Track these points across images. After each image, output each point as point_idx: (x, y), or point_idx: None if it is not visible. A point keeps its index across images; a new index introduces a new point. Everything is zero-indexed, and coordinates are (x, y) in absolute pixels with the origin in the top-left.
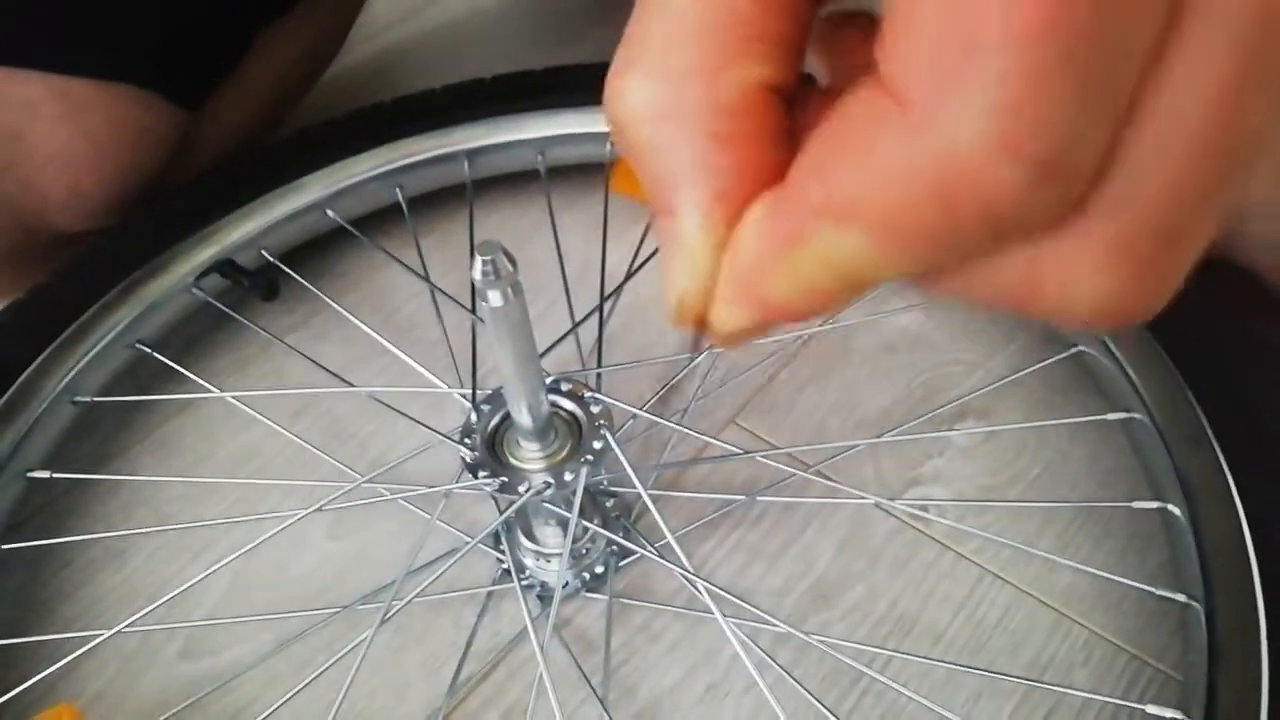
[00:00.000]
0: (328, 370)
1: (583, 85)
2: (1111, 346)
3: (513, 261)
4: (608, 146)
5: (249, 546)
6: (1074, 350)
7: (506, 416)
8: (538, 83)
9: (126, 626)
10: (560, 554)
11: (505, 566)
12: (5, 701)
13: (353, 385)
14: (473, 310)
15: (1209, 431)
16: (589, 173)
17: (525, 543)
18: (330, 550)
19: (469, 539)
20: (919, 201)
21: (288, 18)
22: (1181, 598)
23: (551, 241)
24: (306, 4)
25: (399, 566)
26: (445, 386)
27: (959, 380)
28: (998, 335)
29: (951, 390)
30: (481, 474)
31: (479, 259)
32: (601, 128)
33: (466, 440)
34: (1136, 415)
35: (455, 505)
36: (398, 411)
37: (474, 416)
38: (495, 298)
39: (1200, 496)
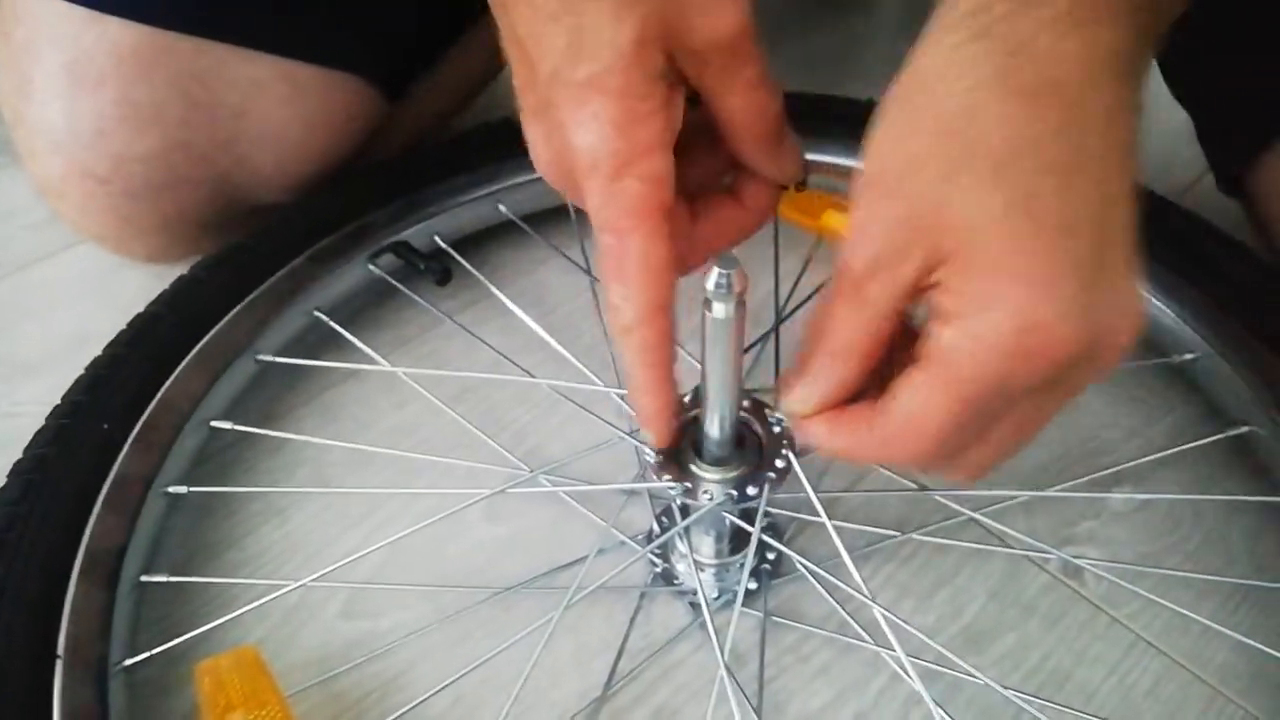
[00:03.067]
0: (505, 357)
1: None
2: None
3: (744, 276)
4: None
5: (426, 522)
6: (1243, 430)
7: (688, 426)
8: None
9: (311, 581)
10: (714, 564)
11: (659, 570)
12: (179, 642)
13: (529, 374)
14: None
15: None
16: None
17: (680, 549)
18: (487, 533)
19: (623, 537)
20: None
21: (482, 21)
22: None
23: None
24: None
25: (552, 557)
26: (620, 390)
27: (1117, 446)
28: (1156, 406)
29: (1109, 455)
30: (665, 477)
31: (716, 270)
32: None
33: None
34: None
35: (607, 503)
36: (581, 407)
37: None
38: (721, 310)
39: None
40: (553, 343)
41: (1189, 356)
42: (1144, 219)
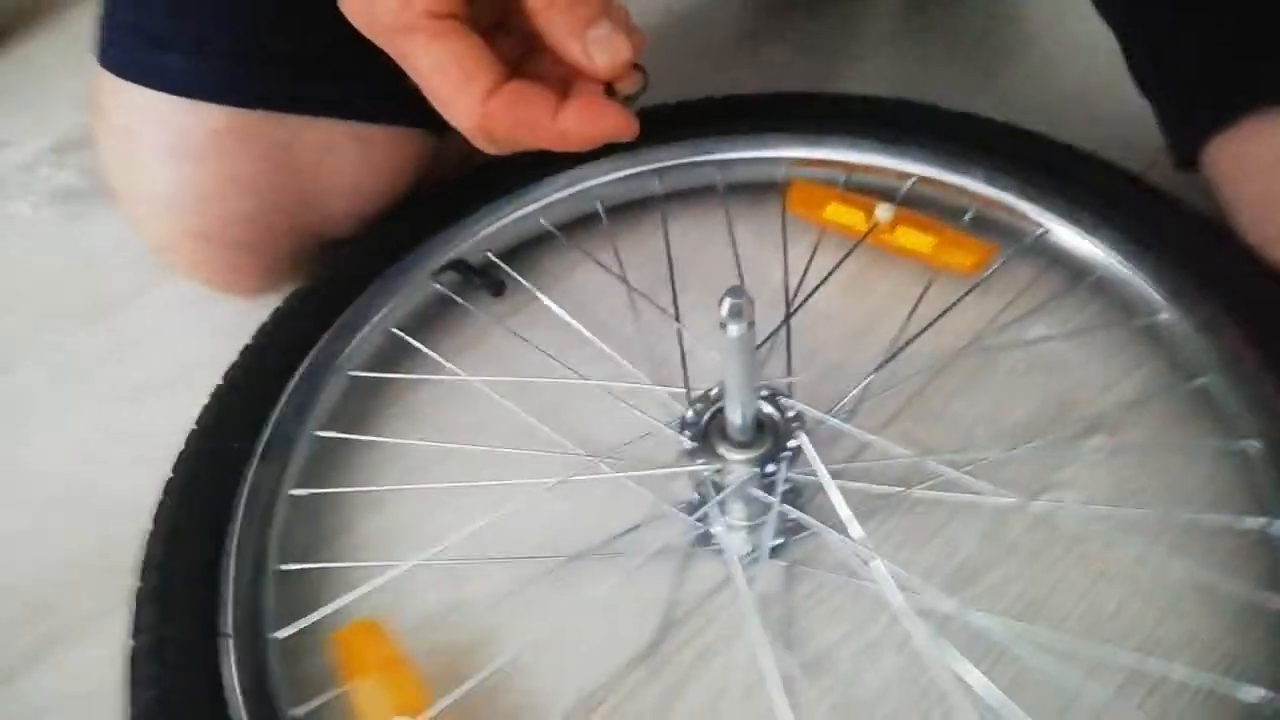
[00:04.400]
0: (560, 362)
1: (759, 113)
2: (1231, 381)
3: (751, 303)
4: (782, 170)
5: (501, 506)
6: (1194, 383)
7: (715, 414)
8: (719, 109)
9: (413, 564)
10: (747, 525)
11: (701, 531)
12: (315, 618)
13: (580, 376)
14: (676, 318)
15: None
16: (763, 191)
17: (716, 516)
18: (554, 511)
19: (669, 508)
20: None
21: None
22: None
23: (725, 249)
24: None
25: (610, 528)
26: (660, 386)
27: (1091, 400)
28: (1127, 361)
29: (1084, 409)
30: (699, 460)
31: (728, 300)
32: (778, 153)
33: (685, 432)
34: (1253, 443)
35: (653, 482)
36: (625, 404)
37: (689, 413)
38: (735, 330)
39: None
40: (596, 341)
41: (1160, 317)
42: (1115, 194)
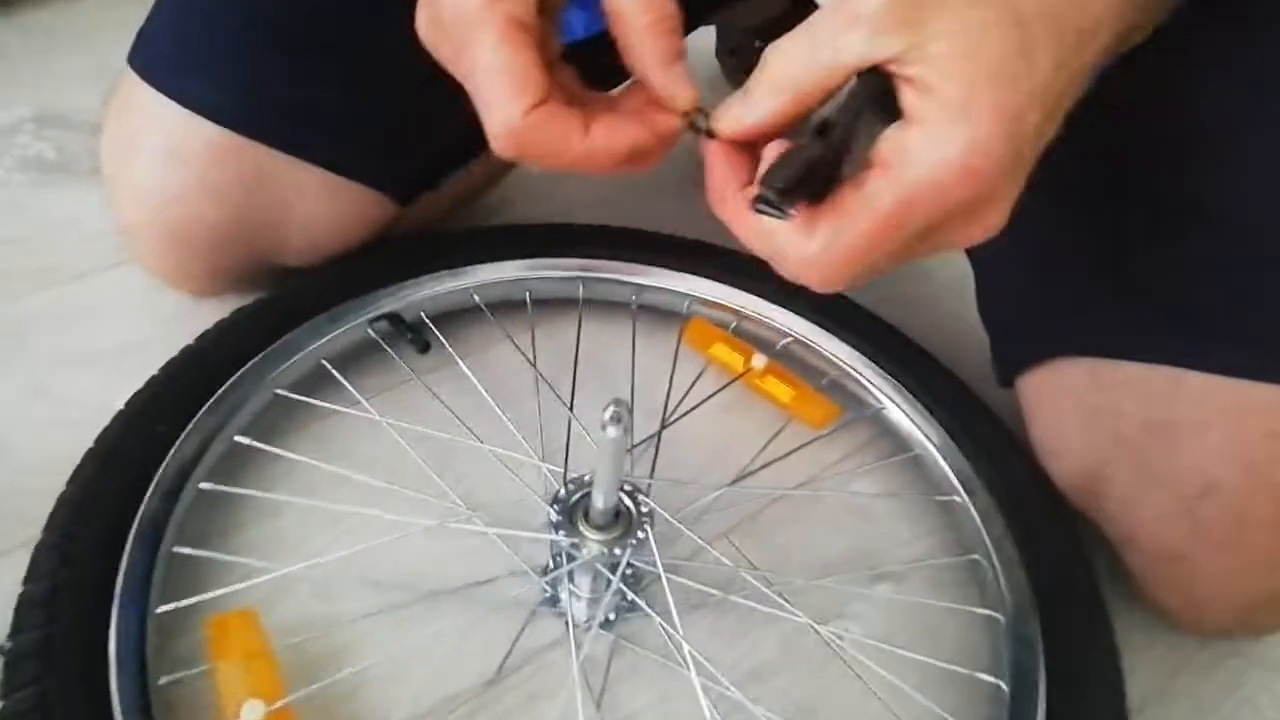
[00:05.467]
0: (462, 422)
1: (668, 251)
2: (994, 561)
3: (630, 413)
4: (685, 305)
5: (383, 535)
6: (968, 557)
7: (583, 497)
8: (647, 241)
9: (294, 569)
10: (589, 597)
11: (547, 596)
12: (191, 604)
13: (477, 438)
14: (570, 408)
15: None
16: (667, 319)
17: (564, 583)
18: (427, 549)
19: (526, 567)
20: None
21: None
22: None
23: (625, 359)
24: None
25: (472, 574)
26: (542, 463)
27: (889, 552)
28: (923, 526)
29: (881, 558)
30: (561, 533)
31: (611, 407)
32: (682, 288)
33: (555, 505)
34: (997, 614)
35: (516, 543)
36: (509, 470)
37: (562, 490)
38: (612, 433)
39: (1024, 678)
40: (498, 411)
41: (955, 498)
42: (944, 393)
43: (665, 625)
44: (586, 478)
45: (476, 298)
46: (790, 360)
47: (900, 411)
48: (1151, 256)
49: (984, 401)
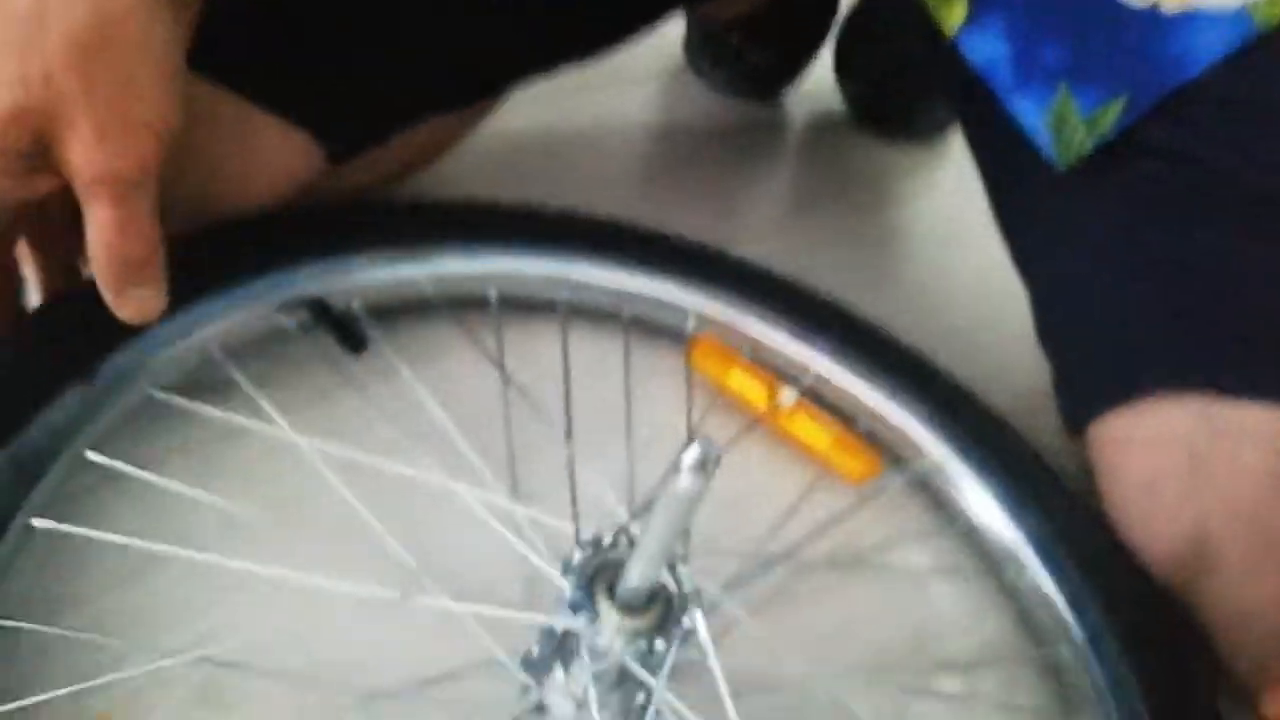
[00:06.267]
0: (415, 450)
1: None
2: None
3: (718, 459)
4: (691, 321)
5: (309, 614)
6: (1053, 649)
7: (606, 563)
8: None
9: (167, 663)
10: (590, 700)
11: (536, 702)
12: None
13: (439, 473)
14: (568, 436)
15: None
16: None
17: (563, 683)
18: (362, 632)
19: (502, 657)
20: None
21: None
22: None
23: (617, 381)
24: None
25: (425, 665)
26: (550, 519)
27: (950, 639)
28: (985, 611)
29: (940, 648)
30: (578, 615)
31: (697, 447)
32: (688, 301)
33: (568, 576)
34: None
35: (489, 623)
36: (495, 524)
37: (577, 555)
38: (689, 484)
39: None
40: (461, 444)
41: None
42: (1013, 456)
43: None
44: (606, 540)
45: (429, 289)
46: (816, 398)
47: (955, 468)
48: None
49: (1052, 466)
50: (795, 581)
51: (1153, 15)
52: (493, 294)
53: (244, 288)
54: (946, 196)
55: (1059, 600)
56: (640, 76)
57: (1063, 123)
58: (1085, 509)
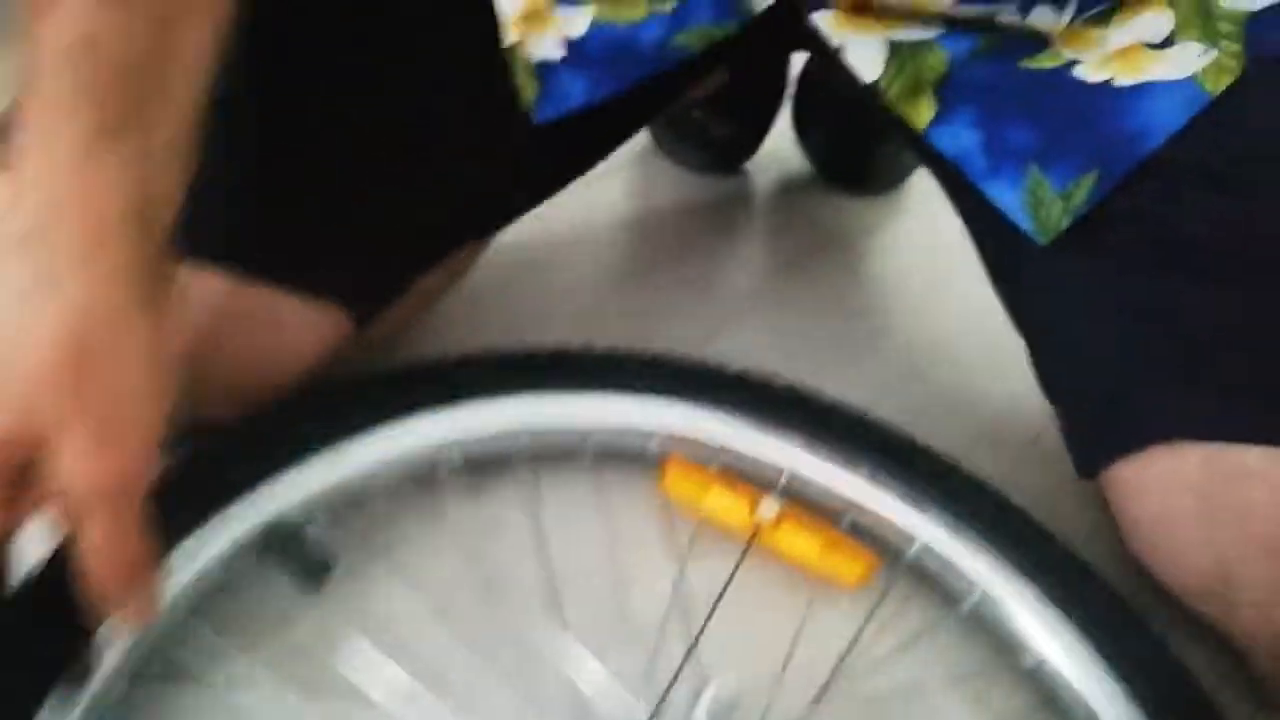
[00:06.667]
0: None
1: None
2: None
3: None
4: (654, 443)
5: None
6: None
7: None
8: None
9: None
10: None
11: None
12: None
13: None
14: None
15: None
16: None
17: None
18: None
19: None
20: None
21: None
22: None
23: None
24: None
25: None
26: None
27: None
28: (1003, 710)
29: None
30: None
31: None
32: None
33: None
34: None
35: None
36: None
37: None
38: None
39: None
40: (461, 663)
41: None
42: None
43: None
44: None
45: (376, 481)
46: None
47: (953, 549)
48: (1268, 323)
49: (1055, 535)
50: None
51: (1108, 89)
52: (444, 469)
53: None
54: (919, 243)
55: (1077, 681)
56: (611, 167)
57: (1038, 202)
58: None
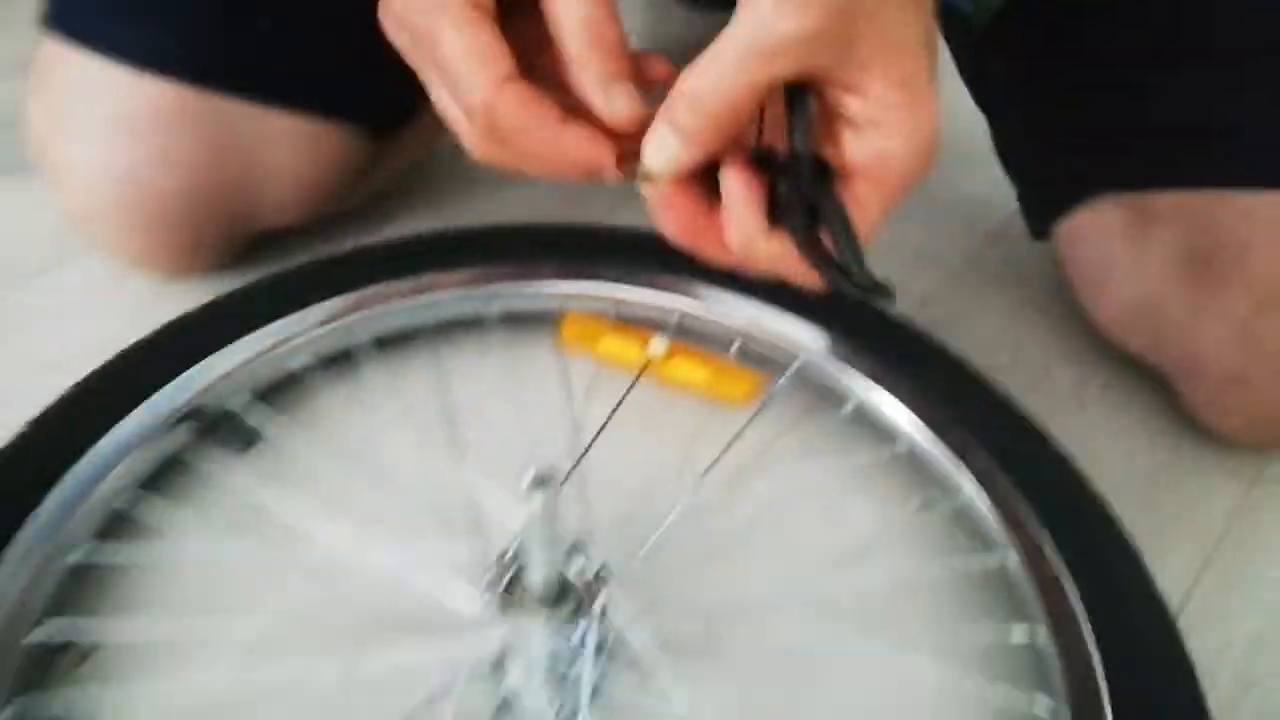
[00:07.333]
0: (334, 525)
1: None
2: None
3: (556, 475)
4: (555, 304)
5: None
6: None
7: (515, 573)
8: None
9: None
10: (550, 688)
11: (502, 698)
12: None
13: (357, 537)
14: (464, 461)
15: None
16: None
17: (519, 679)
18: (338, 696)
19: (463, 675)
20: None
21: None
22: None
23: (500, 386)
24: None
25: (404, 705)
26: (456, 546)
27: (865, 528)
28: (894, 488)
29: (858, 538)
30: (502, 624)
31: (532, 471)
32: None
33: (485, 594)
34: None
35: (446, 650)
36: (414, 566)
37: (489, 574)
38: (540, 502)
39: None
40: (371, 496)
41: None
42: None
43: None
44: (509, 552)
45: (298, 361)
46: (686, 336)
47: (828, 361)
48: (1174, 82)
49: (907, 321)
50: (724, 520)
51: None
52: (362, 341)
53: (126, 427)
54: None
55: (942, 456)
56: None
57: None
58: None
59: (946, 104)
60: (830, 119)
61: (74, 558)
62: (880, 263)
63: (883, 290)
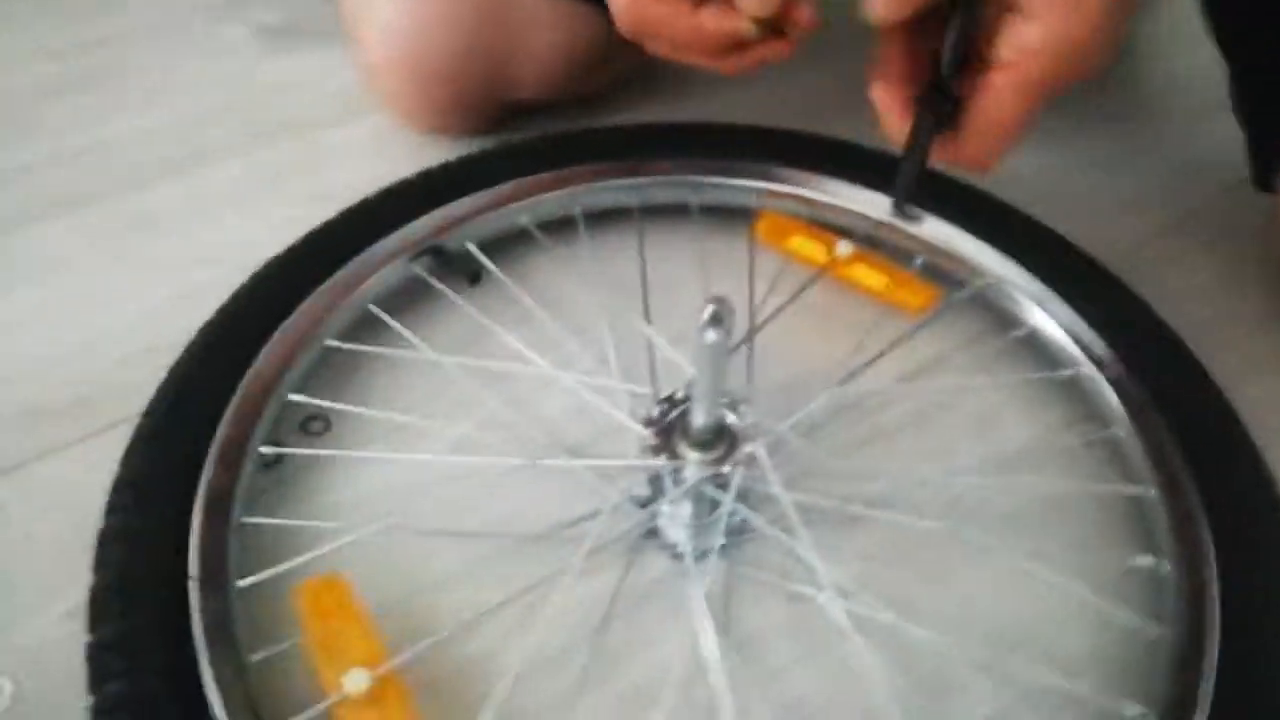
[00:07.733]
0: (532, 354)
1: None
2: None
3: (732, 312)
4: (753, 199)
5: (472, 486)
6: (1104, 434)
7: (679, 415)
8: (700, 134)
9: (379, 529)
10: (695, 525)
11: (651, 528)
12: (273, 575)
13: (551, 368)
14: (647, 320)
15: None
16: (734, 217)
17: (668, 512)
18: (515, 494)
19: (622, 500)
20: None
21: None
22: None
23: (695, 267)
24: None
25: (565, 515)
26: (627, 385)
27: (1014, 440)
28: (1050, 409)
29: (1008, 448)
30: (660, 457)
31: (710, 306)
32: (746, 181)
33: (649, 429)
34: (1142, 490)
35: (609, 475)
36: (592, 398)
37: (655, 411)
38: (712, 336)
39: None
40: (569, 340)
41: (1080, 370)
42: (1055, 260)
43: (790, 545)
44: (679, 395)
45: (524, 219)
46: (877, 246)
47: (1010, 284)
48: None
49: (1094, 259)
50: (875, 411)
51: None
52: (579, 212)
53: (378, 250)
54: None
55: (1110, 386)
56: None
57: None
58: (1128, 297)
59: (1185, 56)
60: (1000, 9)
61: (329, 342)
62: (1100, 203)
63: (903, 205)
